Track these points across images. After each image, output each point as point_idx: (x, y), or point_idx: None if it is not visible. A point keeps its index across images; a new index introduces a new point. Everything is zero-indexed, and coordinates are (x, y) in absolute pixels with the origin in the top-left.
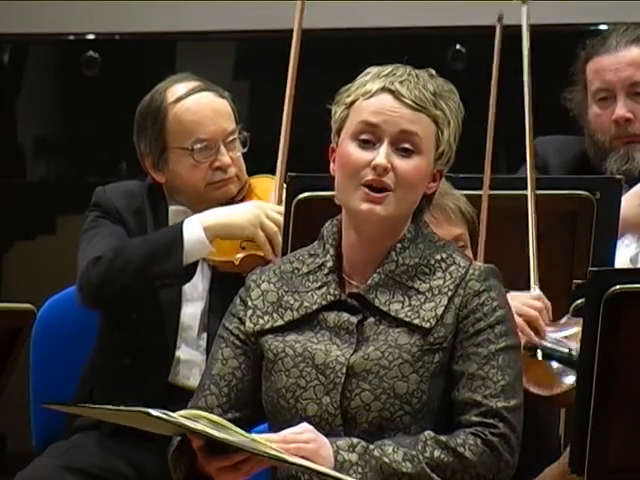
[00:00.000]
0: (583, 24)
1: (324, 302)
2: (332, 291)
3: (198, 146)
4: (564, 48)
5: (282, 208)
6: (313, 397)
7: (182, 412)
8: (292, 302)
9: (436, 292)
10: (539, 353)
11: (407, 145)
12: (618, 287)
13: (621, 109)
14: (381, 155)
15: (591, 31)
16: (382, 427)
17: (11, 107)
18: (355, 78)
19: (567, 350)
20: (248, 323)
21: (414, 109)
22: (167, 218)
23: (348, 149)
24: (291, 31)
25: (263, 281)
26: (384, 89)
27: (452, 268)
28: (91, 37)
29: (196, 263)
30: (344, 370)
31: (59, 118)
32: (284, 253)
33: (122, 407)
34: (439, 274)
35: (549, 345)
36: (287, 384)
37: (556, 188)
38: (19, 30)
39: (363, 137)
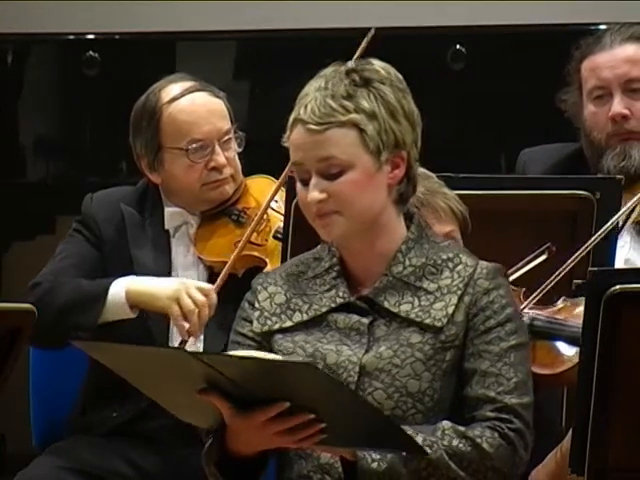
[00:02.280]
0: (580, 24)
1: (333, 304)
2: (341, 294)
3: (193, 146)
4: (560, 48)
5: (209, 287)
6: None
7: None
8: (300, 304)
9: (445, 291)
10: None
11: (331, 170)
12: (618, 287)
13: (618, 106)
14: (310, 192)
15: (590, 31)
16: None
17: (11, 107)
18: None
19: (571, 328)
20: (255, 323)
21: (320, 131)
22: (163, 220)
23: (297, 189)
24: (291, 31)
25: (270, 284)
26: (295, 121)
27: (459, 267)
28: (91, 37)
29: (117, 321)
30: (357, 369)
31: (59, 118)
32: (284, 253)
33: (155, 347)
34: (447, 273)
35: (551, 326)
36: None
37: (556, 188)
38: (19, 30)
39: (300, 178)
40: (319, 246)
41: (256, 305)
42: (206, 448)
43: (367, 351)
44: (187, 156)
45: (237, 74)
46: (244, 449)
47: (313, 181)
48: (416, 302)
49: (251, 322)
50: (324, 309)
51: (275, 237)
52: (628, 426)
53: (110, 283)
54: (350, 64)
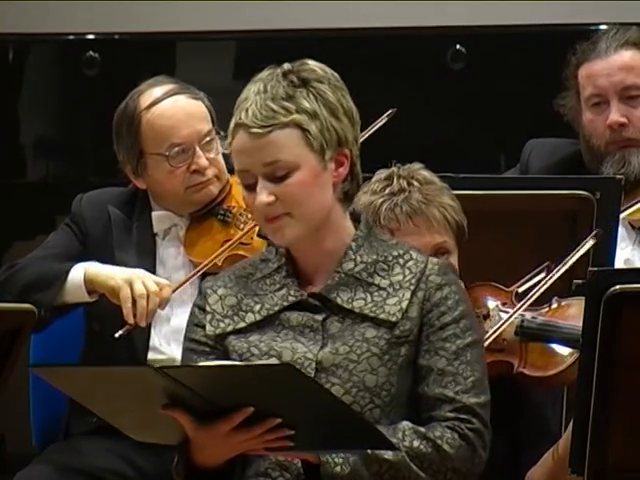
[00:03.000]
0: (580, 24)
1: (286, 303)
2: (293, 292)
3: (174, 150)
4: (560, 48)
5: (166, 282)
6: None
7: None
8: (252, 305)
9: (397, 287)
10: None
11: (277, 173)
12: (618, 287)
13: (615, 114)
14: (258, 195)
15: (590, 31)
16: None
17: (11, 107)
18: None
19: (564, 330)
20: (208, 327)
21: (263, 134)
22: (151, 223)
23: (243, 194)
24: (291, 31)
25: (219, 287)
26: (237, 126)
27: (410, 263)
28: (91, 37)
29: (68, 308)
30: (313, 366)
31: (59, 118)
32: None
33: (117, 367)
34: (398, 269)
35: (544, 327)
36: None
37: (556, 188)
38: (19, 30)
39: (245, 184)
40: (264, 248)
41: (207, 309)
42: (174, 464)
43: (322, 347)
44: (168, 161)
45: (237, 74)
46: (210, 461)
47: (260, 185)
48: (369, 298)
49: (203, 327)
50: (277, 308)
51: (260, 235)
52: (628, 426)
53: (73, 265)
54: (286, 66)
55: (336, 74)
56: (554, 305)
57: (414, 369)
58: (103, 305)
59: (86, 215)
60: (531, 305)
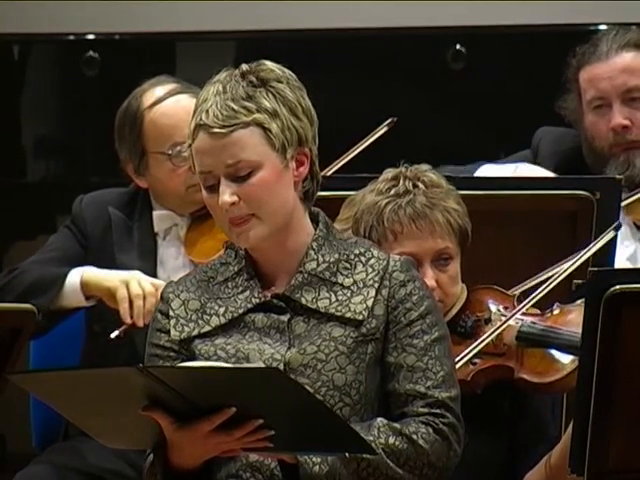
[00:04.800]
0: (580, 24)
1: (250, 305)
2: (256, 294)
3: (177, 149)
4: (560, 48)
5: (162, 283)
6: None
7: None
8: (216, 308)
9: (361, 285)
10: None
11: (240, 172)
12: (618, 287)
13: (618, 117)
14: (221, 196)
15: (590, 31)
16: None
17: (11, 107)
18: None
19: (564, 336)
20: (173, 332)
21: (225, 134)
22: (152, 223)
23: (204, 196)
24: (291, 31)
25: (182, 291)
26: (197, 127)
27: (372, 261)
28: (91, 37)
29: (66, 313)
30: (281, 366)
31: (59, 118)
32: None
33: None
34: (360, 268)
35: (544, 333)
36: None
37: (556, 188)
38: (19, 30)
39: (206, 185)
40: (223, 251)
41: (170, 314)
42: (147, 468)
43: (289, 348)
44: (170, 160)
45: None
46: (188, 462)
47: (223, 185)
48: (333, 297)
49: (168, 332)
50: (241, 310)
51: None
52: (628, 426)
53: (71, 269)
54: (244, 67)
55: (294, 74)
56: (555, 311)
57: (382, 366)
58: (103, 306)
59: (86, 217)
60: (533, 308)
